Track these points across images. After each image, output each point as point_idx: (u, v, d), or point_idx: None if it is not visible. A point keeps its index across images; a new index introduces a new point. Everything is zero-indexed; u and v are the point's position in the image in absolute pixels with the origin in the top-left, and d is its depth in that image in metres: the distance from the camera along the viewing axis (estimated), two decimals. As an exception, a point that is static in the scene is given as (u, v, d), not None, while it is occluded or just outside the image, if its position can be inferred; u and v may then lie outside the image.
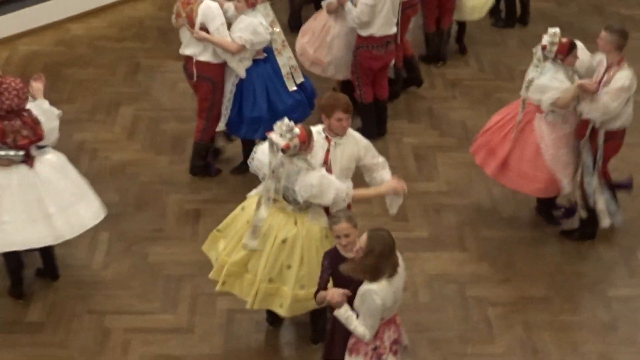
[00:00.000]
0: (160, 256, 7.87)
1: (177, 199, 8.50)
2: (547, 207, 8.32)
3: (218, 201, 8.42)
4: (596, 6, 11.94)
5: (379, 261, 5.61)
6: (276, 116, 7.54)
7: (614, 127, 7.63)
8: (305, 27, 9.42)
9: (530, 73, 7.79)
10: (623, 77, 7.47)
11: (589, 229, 8.10)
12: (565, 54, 7.71)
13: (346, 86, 9.29)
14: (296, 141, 6.37)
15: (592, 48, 10.35)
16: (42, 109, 6.98)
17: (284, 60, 8.44)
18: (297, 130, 6.39)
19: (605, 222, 7.91)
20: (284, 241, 6.57)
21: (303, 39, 9.32)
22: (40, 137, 6.93)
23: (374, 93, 9.22)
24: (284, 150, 6.35)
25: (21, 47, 10.59)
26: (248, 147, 8.22)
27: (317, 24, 9.24)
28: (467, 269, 7.85)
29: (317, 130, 6.78)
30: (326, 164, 6.76)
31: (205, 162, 8.75)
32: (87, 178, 8.47)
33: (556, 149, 7.78)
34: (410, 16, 9.63)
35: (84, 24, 11.23)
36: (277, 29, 8.39)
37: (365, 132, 8.90)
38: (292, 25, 10.92)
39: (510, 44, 10.95)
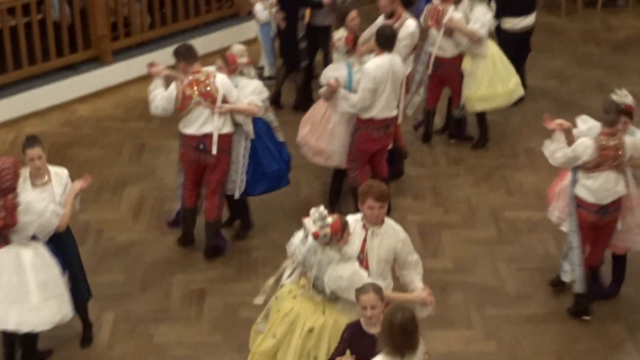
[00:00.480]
0: (166, 337, 7.83)
1: (183, 278, 8.49)
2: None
3: (224, 280, 8.42)
4: (597, 84, 12.06)
5: (396, 335, 5.50)
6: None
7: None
8: (305, 118, 9.38)
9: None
10: None
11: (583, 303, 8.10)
12: None
13: (339, 171, 9.33)
14: (327, 230, 6.26)
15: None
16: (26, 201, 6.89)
17: (272, 116, 8.72)
18: (329, 219, 6.30)
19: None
20: (310, 330, 6.44)
21: (304, 130, 9.27)
22: (14, 224, 6.81)
23: (374, 174, 9.18)
24: (314, 237, 6.27)
25: (27, 129, 10.67)
26: (239, 209, 8.91)
27: (316, 113, 9.22)
28: (473, 348, 7.79)
29: (355, 218, 6.69)
30: (362, 254, 6.63)
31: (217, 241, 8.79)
32: (93, 258, 8.59)
33: None
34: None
35: (90, 105, 11.36)
36: None
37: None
38: (274, 100, 11.08)
39: (513, 122, 11.04)
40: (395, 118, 9.06)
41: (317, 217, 6.28)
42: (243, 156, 8.56)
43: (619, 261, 8.31)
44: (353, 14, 9.70)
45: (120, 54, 11.78)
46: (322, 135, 9.13)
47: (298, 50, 10.85)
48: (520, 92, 10.49)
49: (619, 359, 7.74)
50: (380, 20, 9.73)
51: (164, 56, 8.65)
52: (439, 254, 8.89)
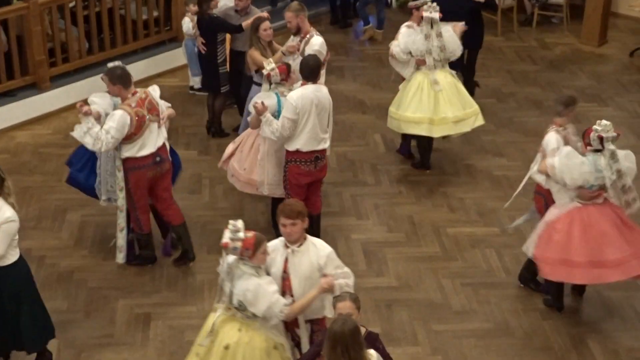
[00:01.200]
0: (111, 363, 7.76)
1: (127, 303, 8.41)
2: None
3: (168, 304, 8.36)
4: (534, 101, 12.24)
5: (334, 345, 5.69)
6: None
7: None
8: (230, 147, 9.25)
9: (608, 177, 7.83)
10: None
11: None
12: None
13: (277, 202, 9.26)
14: (238, 244, 6.37)
15: (533, 141, 10.67)
16: None
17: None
18: (241, 234, 6.40)
19: None
20: (226, 347, 6.54)
21: (232, 159, 9.16)
22: None
23: (308, 208, 9.07)
24: (223, 247, 6.40)
25: (-35, 156, 10.56)
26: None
27: (244, 142, 9.09)
28: (420, 364, 7.84)
29: (281, 238, 6.75)
30: (285, 272, 6.67)
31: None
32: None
33: None
34: None
35: (29, 131, 11.24)
36: None
37: None
38: (213, 131, 11.08)
39: (453, 139, 11.12)
40: (325, 151, 8.76)
41: (232, 229, 6.41)
42: None
43: None
44: (266, 24, 9.71)
45: (58, 79, 11.67)
46: (251, 165, 8.99)
47: (218, 75, 10.82)
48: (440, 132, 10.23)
49: (563, 370, 7.83)
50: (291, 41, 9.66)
51: (102, 82, 8.61)
52: (384, 272, 8.93)
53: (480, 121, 10.38)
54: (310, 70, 8.52)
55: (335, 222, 9.58)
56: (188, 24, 11.11)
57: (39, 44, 11.32)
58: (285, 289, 6.67)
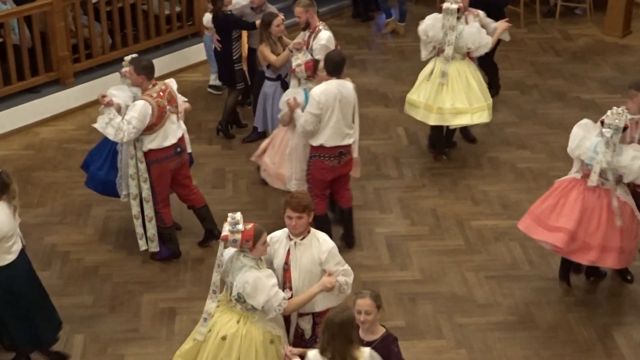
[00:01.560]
0: (137, 357, 7.78)
1: (152, 298, 8.46)
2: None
3: (193, 298, 8.38)
4: (557, 93, 12.19)
5: (328, 332, 5.74)
6: None
7: None
8: (264, 143, 9.34)
9: (605, 159, 7.84)
10: None
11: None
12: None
13: None
14: (237, 236, 6.38)
15: (557, 133, 10.67)
16: None
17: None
18: (240, 226, 6.41)
19: None
20: (223, 338, 6.57)
21: (264, 154, 9.23)
22: None
23: (338, 204, 9.16)
24: (222, 240, 6.42)
25: (-10, 153, 10.64)
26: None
27: (275, 137, 9.18)
28: (444, 357, 7.82)
29: (284, 230, 6.75)
30: (286, 264, 6.68)
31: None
32: (60, 281, 8.56)
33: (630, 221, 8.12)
34: None
35: (53, 127, 11.30)
36: None
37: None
38: (218, 128, 11.12)
39: (476, 131, 11.10)
40: (350, 146, 8.75)
41: (231, 222, 6.41)
42: None
43: None
44: (278, 19, 9.77)
45: (82, 75, 11.73)
46: (280, 160, 9.05)
47: (234, 72, 10.82)
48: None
49: (589, 363, 7.81)
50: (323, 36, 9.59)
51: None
52: (407, 266, 8.92)
53: (484, 118, 10.19)
54: (335, 65, 8.54)
55: (359, 216, 9.57)
56: (208, 17, 11.12)
57: (62, 40, 11.37)
58: (285, 280, 6.69)
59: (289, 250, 6.69)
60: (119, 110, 8.36)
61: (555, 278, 8.72)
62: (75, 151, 10.76)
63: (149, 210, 8.67)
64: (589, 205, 7.99)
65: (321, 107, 8.43)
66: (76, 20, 11.55)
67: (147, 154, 8.43)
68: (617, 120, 7.75)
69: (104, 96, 8.34)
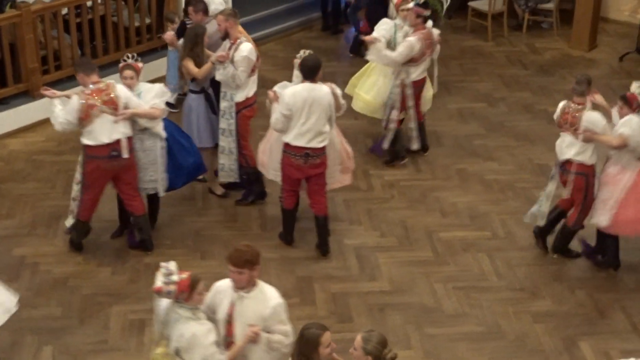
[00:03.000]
0: (106, 368, 7.80)
1: (121, 309, 8.45)
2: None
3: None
4: (525, 105, 12.31)
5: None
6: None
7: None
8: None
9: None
10: None
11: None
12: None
13: None
14: (172, 287, 6.09)
15: (524, 145, 10.79)
16: None
17: None
18: (175, 277, 6.11)
19: None
20: None
21: (260, 145, 9.57)
22: None
23: (312, 209, 9.22)
24: (156, 293, 6.13)
25: (-42, 164, 10.59)
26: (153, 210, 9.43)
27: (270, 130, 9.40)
28: (413, 367, 7.89)
29: (229, 280, 6.40)
30: (229, 316, 6.36)
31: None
32: (29, 292, 8.51)
33: None
34: None
35: (22, 139, 11.27)
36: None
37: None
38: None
39: (445, 143, 11.20)
40: (319, 150, 8.86)
41: (164, 272, 6.13)
42: (161, 156, 8.98)
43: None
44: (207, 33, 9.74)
45: (51, 87, 11.63)
46: (264, 148, 9.38)
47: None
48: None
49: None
50: None
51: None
52: (376, 277, 8.98)
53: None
54: (309, 70, 8.76)
55: (328, 227, 9.63)
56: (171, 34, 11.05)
57: (31, 51, 11.35)
58: (228, 334, 6.38)
59: (233, 302, 6.36)
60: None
61: (522, 288, 8.82)
62: (45, 163, 10.74)
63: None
64: None
65: (290, 108, 8.63)
66: (46, 32, 11.54)
67: (83, 147, 8.76)
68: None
69: (46, 89, 8.91)
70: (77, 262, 9.07)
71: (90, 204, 8.95)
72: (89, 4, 11.89)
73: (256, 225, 9.68)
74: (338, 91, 9.02)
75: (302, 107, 8.63)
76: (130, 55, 9.12)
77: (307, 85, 8.73)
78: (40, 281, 8.77)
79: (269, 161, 9.33)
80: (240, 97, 9.56)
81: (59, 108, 8.65)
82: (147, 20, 12.69)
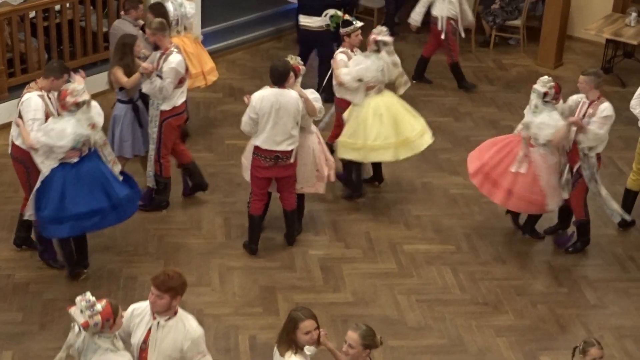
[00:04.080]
0: (66, 375, 7.71)
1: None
2: (532, 224, 9.90)
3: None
4: (490, 120, 12.39)
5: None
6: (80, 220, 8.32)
7: (600, 150, 9.27)
8: None
9: (527, 117, 9.37)
10: (606, 108, 9.17)
11: (585, 237, 9.69)
12: (559, 93, 9.25)
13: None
14: (97, 318, 5.81)
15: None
16: None
17: (106, 156, 8.61)
18: (98, 306, 5.84)
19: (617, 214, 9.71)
20: None
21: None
22: None
23: (282, 204, 9.36)
24: (83, 329, 5.83)
25: None
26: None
27: None
28: (375, 379, 7.88)
29: (147, 304, 6.26)
30: (145, 343, 6.19)
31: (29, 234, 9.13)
32: (-10, 296, 8.42)
33: (549, 175, 9.25)
34: None
35: (-15, 142, 11.19)
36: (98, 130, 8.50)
37: (247, 246, 9.37)
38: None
39: (412, 157, 11.20)
40: (288, 152, 9.00)
41: (85, 306, 5.82)
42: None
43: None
44: (138, 41, 9.66)
45: (17, 90, 11.54)
46: (246, 151, 9.40)
47: None
48: (405, 153, 10.16)
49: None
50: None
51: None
52: (340, 288, 8.98)
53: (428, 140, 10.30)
54: (279, 75, 8.86)
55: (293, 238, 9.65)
56: None
57: (-3, 54, 11.28)
58: None
59: (149, 329, 6.20)
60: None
61: (485, 302, 8.86)
62: (8, 166, 10.59)
63: None
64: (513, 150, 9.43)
65: (257, 111, 8.79)
66: (13, 34, 11.45)
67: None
68: (539, 86, 9.16)
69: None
70: (38, 267, 8.99)
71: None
72: (57, 7, 11.83)
73: (221, 234, 9.66)
74: (308, 95, 9.09)
75: (269, 112, 8.77)
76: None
77: (276, 90, 8.85)
78: (1, 286, 8.69)
79: (247, 164, 9.30)
80: (167, 105, 9.52)
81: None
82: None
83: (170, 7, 11.05)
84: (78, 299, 5.85)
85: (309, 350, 6.42)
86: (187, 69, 9.75)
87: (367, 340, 6.21)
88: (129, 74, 9.46)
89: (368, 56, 9.94)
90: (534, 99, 9.26)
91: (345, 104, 10.14)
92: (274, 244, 9.54)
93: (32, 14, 11.61)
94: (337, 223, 10.00)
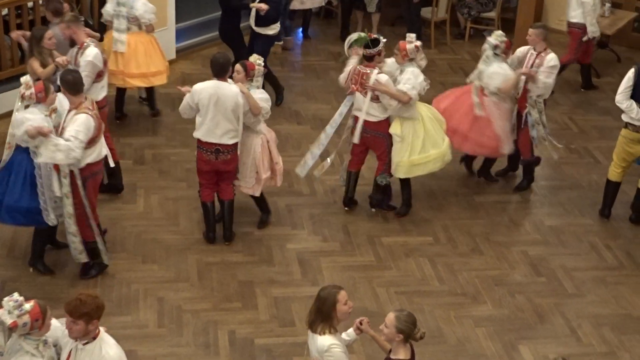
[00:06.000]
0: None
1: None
2: (487, 169, 10.81)
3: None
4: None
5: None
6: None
7: (547, 97, 10.31)
8: None
9: (480, 66, 10.09)
10: (552, 58, 10.05)
11: (530, 176, 10.70)
12: (509, 49, 10.13)
13: None
14: (26, 318, 5.75)
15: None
16: None
17: None
18: (27, 306, 5.77)
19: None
20: None
21: None
22: None
23: (219, 195, 9.41)
24: (12, 329, 5.73)
25: None
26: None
27: None
28: (355, 372, 7.89)
29: None
30: None
31: None
32: (-34, 296, 8.33)
33: (502, 121, 10.13)
34: None
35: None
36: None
37: (205, 234, 9.46)
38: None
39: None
40: (230, 146, 9.05)
41: (13, 306, 5.74)
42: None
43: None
44: (49, 33, 9.59)
45: (-8, 87, 11.56)
46: None
47: None
48: (450, 155, 9.95)
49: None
50: None
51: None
52: (319, 281, 8.96)
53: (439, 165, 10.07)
54: (220, 67, 8.95)
55: (271, 232, 9.63)
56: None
57: (-30, 52, 11.20)
58: None
59: (70, 351, 6.06)
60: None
61: (464, 293, 8.88)
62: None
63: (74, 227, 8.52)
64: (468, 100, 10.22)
65: (195, 102, 8.92)
66: (-15, 32, 11.38)
67: (83, 169, 8.37)
68: (493, 39, 9.91)
69: (39, 128, 8.00)
70: (15, 265, 8.94)
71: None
72: (30, 4, 11.75)
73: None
74: (257, 95, 9.07)
75: (207, 104, 8.86)
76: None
77: (216, 82, 8.92)
78: (-24, 285, 8.64)
79: None
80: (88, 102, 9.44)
81: (63, 141, 8.06)
82: (89, 22, 12.55)
83: (108, 6, 11.19)
84: (5, 299, 5.77)
85: (348, 335, 6.59)
86: (105, 62, 9.71)
87: (402, 325, 6.17)
88: (44, 65, 9.50)
89: (412, 66, 9.55)
90: (486, 49, 10.01)
91: (386, 126, 9.67)
92: (252, 238, 9.52)
93: (4, 11, 11.52)
94: (315, 217, 9.99)
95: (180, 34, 13.54)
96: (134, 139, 11.30)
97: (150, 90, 11.82)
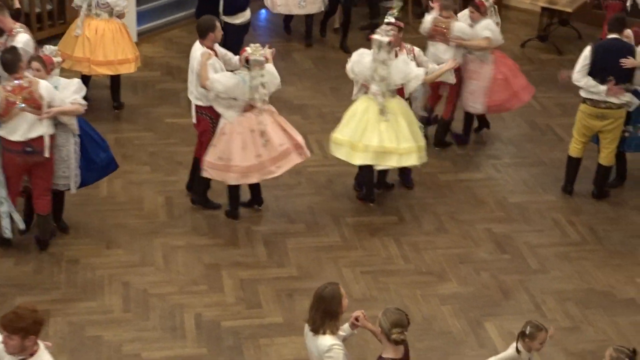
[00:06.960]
0: (10, 360, 7.63)
1: (25, 300, 8.27)
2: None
3: (68, 300, 8.27)
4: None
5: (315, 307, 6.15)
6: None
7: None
8: None
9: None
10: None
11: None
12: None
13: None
14: None
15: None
16: None
17: None
18: None
19: None
20: None
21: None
22: None
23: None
24: None
25: None
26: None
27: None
28: (322, 352, 7.90)
29: None
30: None
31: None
32: None
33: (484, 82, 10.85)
34: None
35: None
36: None
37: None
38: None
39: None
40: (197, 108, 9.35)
41: None
42: (75, 152, 8.73)
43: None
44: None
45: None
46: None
47: None
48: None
49: (461, 353, 8.01)
50: None
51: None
52: (285, 263, 8.99)
53: (413, 161, 9.55)
54: (198, 29, 9.49)
55: (236, 214, 9.62)
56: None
57: None
58: None
59: None
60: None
61: (429, 272, 8.94)
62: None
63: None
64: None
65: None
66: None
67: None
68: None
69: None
70: (-20, 250, 8.89)
71: (13, 195, 8.69)
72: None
73: (163, 213, 9.61)
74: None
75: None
76: (48, 48, 8.84)
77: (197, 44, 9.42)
78: (-59, 273, 8.57)
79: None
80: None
81: None
82: (49, 7, 12.45)
83: None
84: None
85: (343, 331, 6.46)
86: (35, 49, 9.49)
87: (383, 322, 6.17)
88: None
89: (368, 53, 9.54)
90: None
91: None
92: (217, 221, 9.51)
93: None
94: (280, 198, 9.99)
95: (141, 17, 13.43)
96: (97, 124, 11.10)
97: (115, 80, 11.53)
